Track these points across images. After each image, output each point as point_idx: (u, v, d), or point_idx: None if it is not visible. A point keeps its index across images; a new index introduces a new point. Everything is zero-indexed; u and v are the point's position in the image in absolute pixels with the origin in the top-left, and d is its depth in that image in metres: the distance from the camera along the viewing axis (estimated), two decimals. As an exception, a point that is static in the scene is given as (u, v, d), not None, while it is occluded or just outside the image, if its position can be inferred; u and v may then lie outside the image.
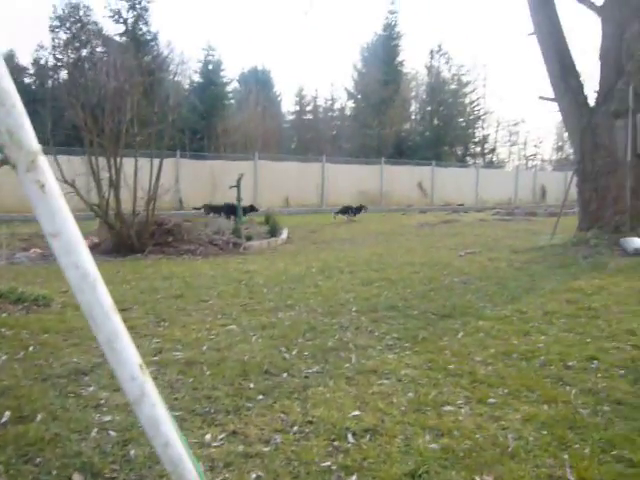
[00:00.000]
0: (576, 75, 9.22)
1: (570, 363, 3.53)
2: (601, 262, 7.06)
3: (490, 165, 41.25)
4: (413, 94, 44.41)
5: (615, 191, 8.17)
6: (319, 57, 74.60)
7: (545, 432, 2.60)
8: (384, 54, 38.62)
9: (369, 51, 40.59)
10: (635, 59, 8.18)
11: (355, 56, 44.78)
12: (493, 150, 47.66)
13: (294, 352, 3.81)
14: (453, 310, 4.87)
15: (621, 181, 8.10)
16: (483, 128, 46.80)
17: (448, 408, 2.87)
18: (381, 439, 2.55)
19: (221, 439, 2.60)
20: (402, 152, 35.59)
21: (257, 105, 37.12)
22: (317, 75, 79.25)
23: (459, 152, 43.73)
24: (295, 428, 2.69)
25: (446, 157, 38.08)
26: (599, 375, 3.33)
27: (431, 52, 43.05)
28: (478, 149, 46.11)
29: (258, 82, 39.96)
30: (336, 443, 2.53)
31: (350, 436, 2.59)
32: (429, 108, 41.61)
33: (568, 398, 2.98)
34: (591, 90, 9.80)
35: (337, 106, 45.96)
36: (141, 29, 31.55)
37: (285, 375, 3.38)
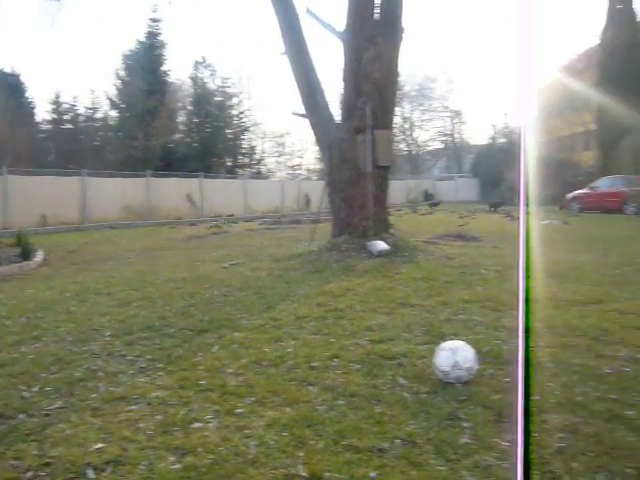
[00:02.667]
0: (322, 94, 9.95)
1: (314, 364, 3.79)
2: (350, 265, 7.72)
3: (258, 176, 42.50)
4: (180, 105, 43.96)
5: (360, 200, 9.01)
6: (76, 62, 69.91)
7: (285, 434, 2.76)
8: (148, 63, 37.50)
9: (132, 59, 39.08)
10: (370, 81, 9.12)
11: (117, 63, 42.81)
12: (260, 161, 49.30)
13: (35, 389, 3.51)
14: (210, 324, 4.92)
15: (365, 190, 8.97)
16: (251, 139, 48.24)
17: (196, 425, 2.90)
18: (123, 469, 2.48)
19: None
20: (170, 164, 34.91)
21: (6, 113, 33.50)
22: (75, 81, 74.01)
23: (228, 163, 44.35)
24: (29, 473, 2.49)
25: (215, 168, 38.30)
26: (338, 372, 3.63)
27: (196, 64, 43.11)
28: (247, 160, 47.28)
29: (6, 87, 36.06)
30: (74, 482, 2.40)
31: (90, 472, 2.47)
32: (196, 120, 41.52)
33: (309, 397, 3.21)
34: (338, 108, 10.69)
35: (99, 115, 43.50)
36: None
37: (22, 416, 3.10)
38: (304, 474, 2.38)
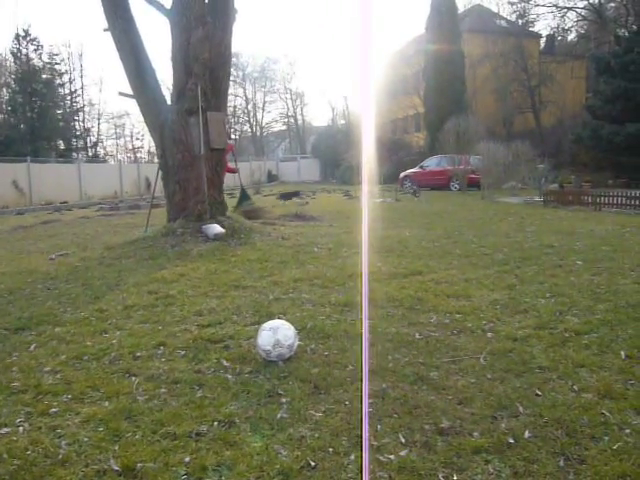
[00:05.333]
0: (153, 73, 9.60)
1: (139, 353, 3.73)
2: (186, 250, 7.61)
3: (95, 159, 40.18)
4: (1, 82, 40.05)
5: (195, 182, 8.87)
6: None
7: (101, 429, 2.70)
8: (-42, 35, 33.79)
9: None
10: (199, 62, 8.96)
11: None
12: (97, 143, 46.68)
13: None
14: (29, 321, 4.61)
15: (199, 173, 8.84)
16: (85, 121, 45.40)
17: (4, 430, 2.73)
18: None
19: None
20: (-8, 147, 31.89)
21: None
22: None
23: (61, 147, 41.38)
24: None
25: (46, 152, 35.54)
26: (163, 360, 3.61)
27: (17, 37, 39.38)
28: (81, 143, 44.48)
29: None
30: None
31: None
32: (20, 99, 38.10)
33: (131, 389, 3.15)
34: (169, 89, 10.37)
35: None
36: None
37: None
38: (117, 468, 2.35)
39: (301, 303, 4.86)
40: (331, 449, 2.47)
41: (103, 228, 12.40)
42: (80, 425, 2.75)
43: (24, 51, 39.56)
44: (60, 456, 2.46)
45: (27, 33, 39.55)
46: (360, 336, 3.95)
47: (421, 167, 25.84)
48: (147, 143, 51.25)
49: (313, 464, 2.35)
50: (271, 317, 4.24)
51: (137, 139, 52.25)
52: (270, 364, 3.43)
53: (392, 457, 2.40)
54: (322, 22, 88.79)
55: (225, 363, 3.48)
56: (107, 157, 46.39)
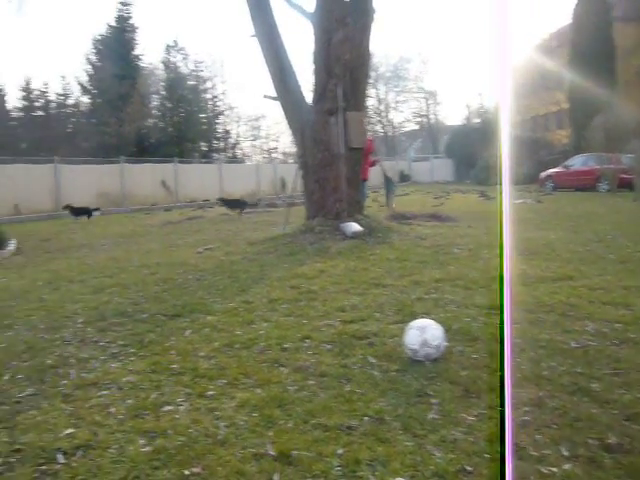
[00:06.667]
0: (294, 76, 9.88)
1: (286, 345, 3.82)
2: (324, 247, 7.75)
3: (234, 160, 42.21)
4: (153, 89, 43.34)
5: (334, 182, 9.01)
6: (46, 47, 68.41)
7: (256, 414, 2.79)
8: (119, 47, 36.83)
9: (103, 43, 38.35)
10: (341, 63, 9.08)
11: (88, 48, 41.97)
12: (236, 145, 48.99)
13: (6, 377, 3.50)
14: (183, 309, 4.92)
15: (337, 172, 8.97)
16: (225, 123, 47.87)
17: (167, 408, 2.91)
18: (94, 453, 2.49)
19: None
20: (144, 150, 34.55)
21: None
22: (46, 67, 72.53)
23: (203, 148, 43.98)
24: (-1, 460, 2.49)
25: (190, 153, 37.98)
26: (310, 352, 3.67)
27: (167, 47, 42.51)
28: (222, 144, 46.92)
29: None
30: (44, 467, 2.41)
31: (60, 456, 2.48)
32: (169, 104, 40.98)
33: (280, 378, 3.24)
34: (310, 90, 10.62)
35: (71, 102, 42.74)
36: None
37: (-8, 404, 3.09)
38: (272, 453, 2.41)
39: (444, 304, 4.74)
40: (487, 455, 2.36)
41: (243, 225, 12.99)
42: (235, 409, 2.86)
43: (173, 60, 42.62)
44: (219, 437, 2.57)
45: (176, 43, 42.60)
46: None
47: (565, 166, 24.40)
48: (282, 144, 52.94)
49: (469, 469, 2.27)
50: (414, 316, 4.17)
51: (273, 140, 54.12)
52: (417, 363, 3.37)
53: (555, 470, 2.25)
54: (456, 17, 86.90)
55: (371, 360, 3.47)
56: (244, 158, 48.49)
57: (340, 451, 2.41)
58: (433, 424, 2.63)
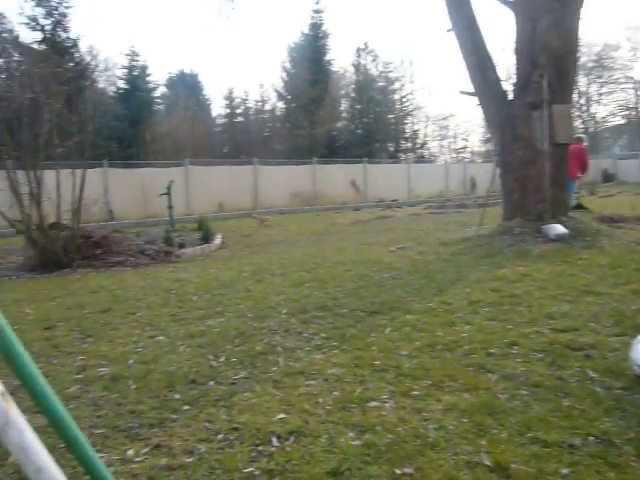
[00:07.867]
0: (493, 69, 9.50)
1: (492, 350, 3.63)
2: (525, 249, 7.30)
3: (421, 160, 41.98)
4: (342, 92, 44.77)
5: (535, 180, 8.46)
6: (247, 58, 74.10)
7: (465, 420, 2.66)
8: (312, 54, 38.65)
9: (297, 51, 40.55)
10: (547, 52, 8.50)
11: (283, 56, 44.71)
12: (424, 145, 48.69)
13: (222, 359, 3.77)
14: (381, 306, 4.93)
15: (540, 170, 8.40)
16: (413, 123, 47.79)
17: (373, 404, 2.90)
18: (305, 440, 2.56)
19: (144, 453, 2.55)
20: (334, 151, 35.83)
21: (186, 110, 36.55)
22: (246, 77, 78.80)
23: (391, 148, 44.40)
24: (220, 436, 2.66)
25: (378, 154, 38.60)
26: (519, 360, 3.44)
27: (358, 50, 43.61)
28: (409, 144, 46.94)
29: (186, 86, 39.35)
30: (260, 448, 2.52)
31: (275, 439, 2.58)
32: (359, 106, 42.00)
33: (489, 385, 3.07)
34: (509, 83, 10.15)
35: (268, 107, 45.84)
36: (59, 36, 30.24)
37: (212, 383, 3.34)
38: (488, 463, 2.27)
39: (674, 317, 4.17)
40: None
41: (434, 225, 12.80)
42: (443, 412, 2.75)
43: (362, 62, 43.61)
44: (430, 439, 2.48)
45: (366, 46, 43.53)
46: None
47: None
48: (471, 143, 51.50)
49: None
50: (638, 330, 3.72)
51: (463, 139, 52.88)
52: (646, 382, 2.99)
53: None
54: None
55: (591, 374, 3.14)
56: (432, 158, 47.99)
57: (564, 471, 2.19)
58: (677, 454, 2.29)
